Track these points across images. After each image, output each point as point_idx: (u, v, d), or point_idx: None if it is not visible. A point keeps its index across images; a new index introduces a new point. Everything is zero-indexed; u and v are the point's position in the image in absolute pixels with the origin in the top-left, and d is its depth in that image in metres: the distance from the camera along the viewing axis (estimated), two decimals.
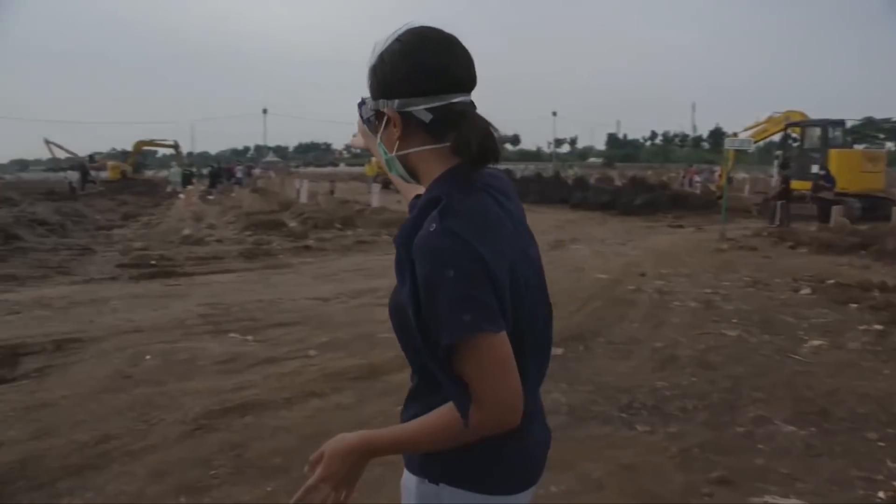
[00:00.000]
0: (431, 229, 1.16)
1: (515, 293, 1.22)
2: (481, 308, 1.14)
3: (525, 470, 1.35)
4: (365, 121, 1.41)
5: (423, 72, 1.26)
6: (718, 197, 23.61)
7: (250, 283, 9.12)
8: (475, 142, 1.23)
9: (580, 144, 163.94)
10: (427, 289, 1.15)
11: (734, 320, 6.81)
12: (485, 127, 1.27)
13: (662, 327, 6.59)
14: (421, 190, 1.34)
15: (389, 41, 1.29)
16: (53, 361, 5.26)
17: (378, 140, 1.35)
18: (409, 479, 1.37)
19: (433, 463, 1.30)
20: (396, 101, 1.26)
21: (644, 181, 27.09)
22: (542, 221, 18.19)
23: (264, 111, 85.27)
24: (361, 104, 1.40)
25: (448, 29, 1.32)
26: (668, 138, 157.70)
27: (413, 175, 1.35)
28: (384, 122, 1.31)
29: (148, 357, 5.23)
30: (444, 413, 1.21)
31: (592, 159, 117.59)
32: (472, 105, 1.30)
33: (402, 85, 1.26)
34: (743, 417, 4.27)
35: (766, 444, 3.88)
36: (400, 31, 1.29)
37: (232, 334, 6.06)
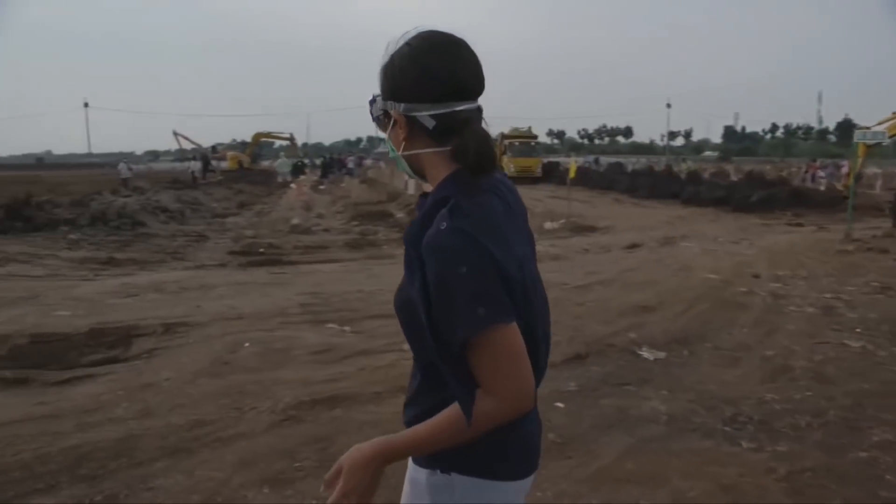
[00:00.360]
0: (442, 228, 1.20)
1: (524, 290, 1.27)
2: (494, 302, 1.19)
3: (530, 456, 1.41)
4: (374, 118, 1.42)
5: (431, 78, 1.30)
6: (845, 196, 22.06)
7: (353, 273, 9.26)
8: (473, 149, 1.27)
9: (695, 137, 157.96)
10: (440, 285, 1.19)
11: (858, 330, 6.25)
12: (484, 135, 1.32)
13: (775, 334, 6.14)
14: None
15: (400, 44, 1.34)
16: (161, 344, 5.50)
17: (386, 138, 1.41)
18: (416, 472, 1.40)
19: (444, 453, 1.31)
20: (402, 105, 1.32)
21: (762, 176, 25.65)
22: (651, 217, 17.60)
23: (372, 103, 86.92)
24: (372, 102, 1.41)
25: (465, 33, 1.35)
26: (790, 131, 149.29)
27: (419, 174, 1.39)
28: (392, 123, 1.36)
29: (246, 344, 5.37)
30: (458, 410, 1.22)
31: (707, 153, 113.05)
32: (478, 111, 1.35)
33: (410, 89, 1.31)
34: (866, 441, 3.85)
35: (893, 474, 3.49)
36: (410, 35, 1.34)
37: (330, 324, 6.13)
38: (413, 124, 1.33)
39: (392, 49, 1.34)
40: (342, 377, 4.69)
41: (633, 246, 11.94)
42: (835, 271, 9.41)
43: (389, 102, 1.35)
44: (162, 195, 20.96)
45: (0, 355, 5.25)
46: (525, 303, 1.27)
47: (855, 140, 14.53)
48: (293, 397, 4.23)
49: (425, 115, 1.30)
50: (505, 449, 1.35)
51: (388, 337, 5.70)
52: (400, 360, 5.08)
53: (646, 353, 5.50)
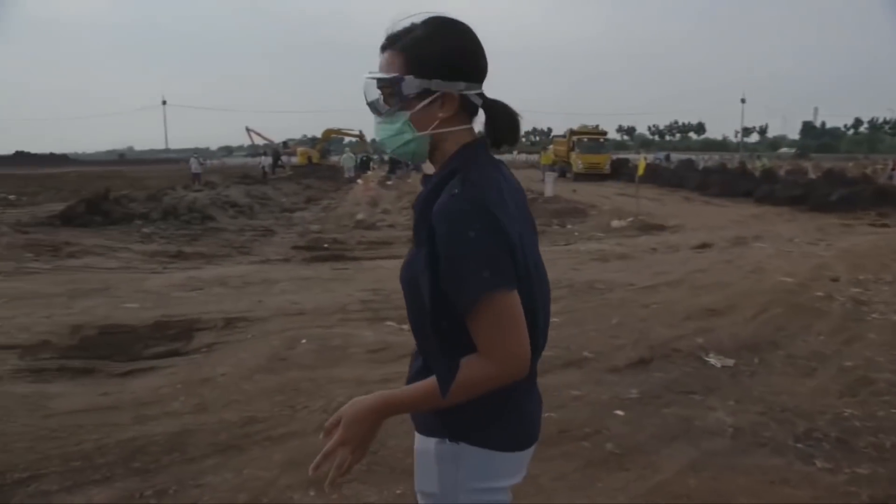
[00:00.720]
0: (453, 194, 1.26)
1: (525, 267, 1.32)
2: (499, 267, 1.24)
3: (532, 427, 1.48)
4: (401, 97, 1.38)
5: (478, 58, 1.40)
6: None
7: None
8: (507, 124, 1.42)
9: (771, 133, 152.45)
10: (449, 248, 1.24)
11: None
12: (513, 110, 1.43)
13: (855, 343, 5.77)
14: None
15: (431, 25, 1.37)
16: (221, 338, 5.57)
17: (403, 118, 1.38)
18: (424, 443, 1.45)
19: (454, 423, 1.38)
20: (463, 84, 1.36)
21: (842, 174, 24.46)
22: (722, 216, 17.01)
23: None
24: (401, 80, 1.37)
25: None
26: (875, 126, 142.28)
27: (428, 154, 1.43)
28: (426, 101, 1.36)
29: (304, 341, 5.37)
30: (471, 368, 1.27)
31: (784, 149, 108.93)
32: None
33: (466, 68, 1.38)
34: None
35: None
36: (434, 16, 1.39)
37: (388, 322, 6.10)
38: (463, 102, 1.38)
39: (423, 30, 1.37)
40: (396, 377, 4.63)
41: (703, 246, 11.52)
42: None
43: (437, 81, 1.36)
44: (232, 190, 21.49)
45: (72, 345, 5.42)
46: (526, 275, 1.32)
47: None
48: (346, 396, 4.18)
49: (474, 93, 1.39)
50: (508, 421, 1.41)
51: None
52: None
53: (713, 360, 5.25)
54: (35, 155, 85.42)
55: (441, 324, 1.28)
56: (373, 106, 1.42)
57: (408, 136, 1.40)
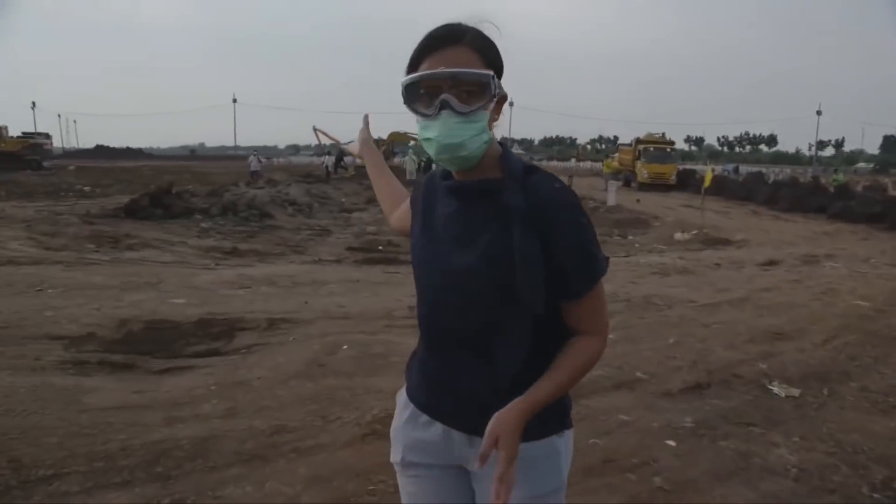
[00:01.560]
0: (556, 187, 1.38)
1: None
2: (602, 251, 1.41)
3: None
4: (473, 95, 1.36)
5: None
6: None
7: None
8: None
9: (847, 147, 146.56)
10: (571, 234, 1.35)
11: None
12: None
13: None
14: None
15: (483, 28, 1.41)
16: (261, 340, 5.48)
17: (485, 117, 1.38)
18: (544, 446, 1.48)
19: (565, 411, 1.52)
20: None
21: None
22: (792, 232, 16.29)
23: (511, 103, 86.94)
24: (493, 78, 1.37)
25: None
26: None
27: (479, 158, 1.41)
28: (494, 102, 1.39)
29: (345, 346, 5.23)
30: (586, 350, 1.41)
31: (861, 164, 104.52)
32: None
33: (502, 69, 1.44)
34: None
35: None
36: (481, 18, 1.42)
37: None
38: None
39: (476, 30, 1.40)
40: None
41: (771, 263, 10.97)
42: None
43: (499, 82, 1.40)
44: (293, 188, 21.71)
45: (116, 339, 5.41)
46: None
47: None
48: (381, 409, 4.01)
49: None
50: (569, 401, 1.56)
51: None
52: None
53: (777, 389, 4.88)
54: (113, 149, 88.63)
55: (541, 311, 1.36)
56: (444, 103, 1.33)
57: (486, 136, 1.39)
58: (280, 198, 18.01)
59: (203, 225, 13.36)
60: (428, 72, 1.34)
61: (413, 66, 1.40)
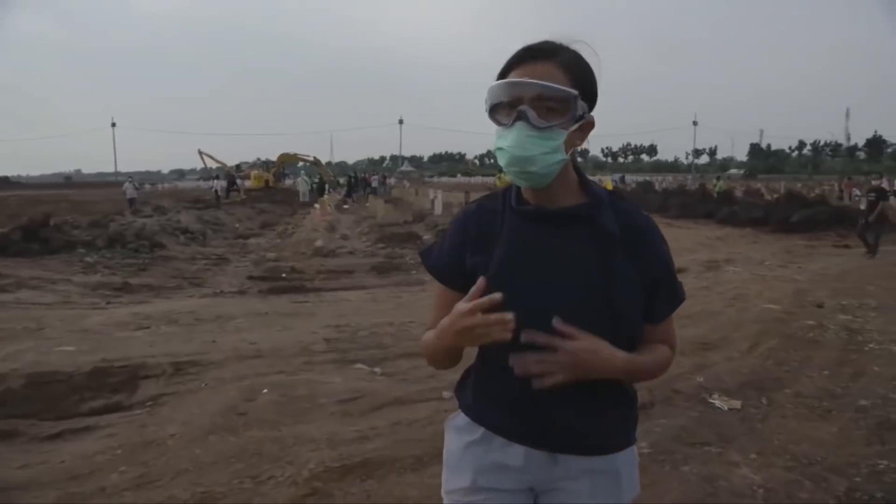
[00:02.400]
0: (645, 213, 1.48)
1: None
2: None
3: None
4: (554, 111, 1.34)
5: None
6: None
7: (381, 301, 8.64)
8: None
9: (720, 155, 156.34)
10: (666, 260, 1.47)
11: None
12: None
13: (862, 378, 5.39)
14: None
15: (580, 50, 1.39)
16: (169, 388, 4.90)
17: (563, 136, 1.35)
18: (626, 456, 1.49)
19: (636, 427, 1.55)
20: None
21: (801, 196, 24.69)
22: (689, 238, 16.84)
23: (400, 121, 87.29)
24: (576, 98, 1.35)
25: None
26: (817, 148, 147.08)
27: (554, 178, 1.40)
28: (578, 125, 1.37)
29: (265, 391, 4.74)
30: (666, 355, 1.49)
31: (733, 170, 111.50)
32: None
33: (595, 100, 1.42)
34: None
35: None
36: (580, 41, 1.40)
37: (358, 364, 5.50)
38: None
39: (571, 51, 1.38)
40: (374, 434, 4.05)
41: (679, 271, 11.13)
42: None
43: (585, 105, 1.37)
44: (183, 215, 20.51)
45: None
46: None
47: None
48: (318, 462, 3.59)
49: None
50: None
51: (423, 381, 5.05)
52: (438, 412, 4.42)
53: (718, 402, 4.80)
54: None
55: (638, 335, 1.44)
56: (521, 114, 1.32)
57: (560, 156, 1.36)
58: (171, 226, 16.90)
59: (88, 259, 12.19)
60: (510, 80, 1.34)
61: (502, 75, 1.39)
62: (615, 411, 1.48)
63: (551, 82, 1.31)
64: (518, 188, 1.48)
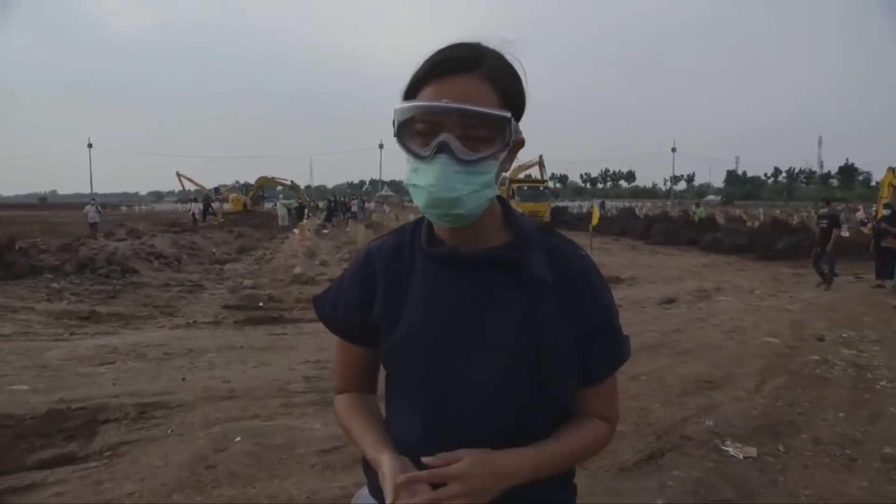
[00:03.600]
0: (582, 254, 1.23)
1: None
2: None
3: None
4: (482, 140, 1.08)
5: None
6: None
7: None
8: None
9: (697, 181, 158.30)
10: (601, 313, 1.19)
11: None
12: None
13: (881, 421, 5.06)
14: None
15: (504, 54, 1.13)
16: (131, 435, 4.42)
17: (494, 169, 1.10)
18: None
19: (573, 492, 1.30)
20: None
21: (785, 223, 24.63)
22: (675, 265, 16.64)
23: (380, 146, 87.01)
24: (509, 121, 1.09)
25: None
26: (792, 175, 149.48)
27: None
28: (506, 150, 1.12)
29: (238, 439, 4.28)
30: (599, 433, 1.24)
31: (710, 197, 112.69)
32: None
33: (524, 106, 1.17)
34: None
35: None
36: (501, 41, 1.14)
37: None
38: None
39: (497, 57, 1.12)
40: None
41: (669, 301, 10.89)
42: None
43: (517, 126, 1.13)
44: (158, 239, 19.91)
45: None
46: None
47: None
48: None
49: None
50: None
51: None
52: None
53: (732, 450, 4.43)
54: None
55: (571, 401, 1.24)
56: (443, 146, 1.05)
57: (491, 192, 1.12)
58: (144, 250, 16.30)
59: (54, 285, 11.62)
60: (426, 103, 1.06)
61: (411, 91, 1.11)
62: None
63: (478, 103, 1.05)
64: (429, 222, 1.22)
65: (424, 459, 1.08)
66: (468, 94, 1.05)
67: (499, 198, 1.21)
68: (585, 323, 1.17)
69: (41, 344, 7.28)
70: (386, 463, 1.11)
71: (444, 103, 1.04)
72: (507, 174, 1.24)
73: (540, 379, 1.14)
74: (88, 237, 19.23)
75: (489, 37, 1.13)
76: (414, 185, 1.10)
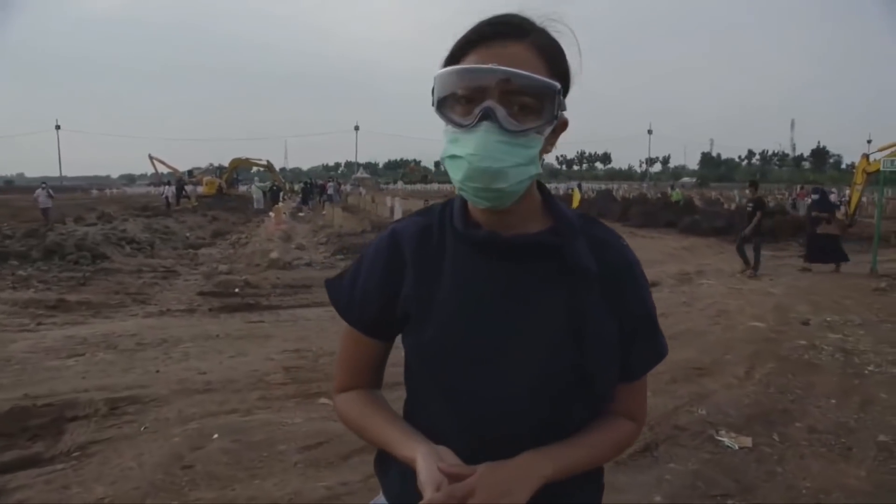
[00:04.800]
0: (624, 243, 1.18)
1: None
2: None
3: None
4: (528, 111, 1.01)
5: None
6: (849, 225, 21.26)
7: (341, 321, 7.95)
8: None
9: (672, 163, 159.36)
10: (644, 307, 1.15)
11: None
12: None
13: (872, 407, 4.99)
14: None
15: (551, 31, 1.07)
16: (101, 434, 4.18)
17: (538, 143, 1.04)
18: None
19: (600, 490, 1.25)
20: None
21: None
22: (655, 248, 16.56)
23: (356, 128, 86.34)
24: (559, 92, 1.02)
25: None
26: (765, 157, 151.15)
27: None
28: (552, 127, 1.06)
29: (215, 436, 4.07)
30: (626, 432, 1.19)
31: (685, 179, 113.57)
32: None
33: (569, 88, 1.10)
34: None
35: None
36: (553, 18, 1.08)
37: (322, 399, 4.86)
38: None
39: (544, 32, 1.05)
40: (346, 492, 3.43)
41: (653, 285, 10.73)
42: (886, 316, 8.39)
43: (563, 101, 1.05)
44: (130, 223, 19.41)
45: None
46: None
47: (882, 168, 13.66)
48: None
49: None
50: None
51: None
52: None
53: (727, 441, 4.32)
54: None
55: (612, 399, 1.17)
56: (488, 112, 0.97)
57: (535, 169, 1.05)
58: (116, 235, 15.78)
59: (20, 272, 11.20)
60: (471, 66, 1.00)
61: (454, 58, 1.04)
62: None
63: (527, 70, 0.98)
64: (462, 204, 1.15)
65: (440, 466, 1.01)
66: (516, 59, 0.99)
67: (538, 183, 1.17)
68: (628, 316, 1.13)
69: (5, 335, 6.94)
70: (429, 454, 1.04)
71: (492, 66, 0.98)
72: (547, 154, 1.10)
73: (582, 372, 1.09)
74: (42, 224, 18.68)
75: (532, 9, 1.08)
76: (451, 157, 1.03)
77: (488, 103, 0.98)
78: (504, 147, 0.99)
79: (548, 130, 1.05)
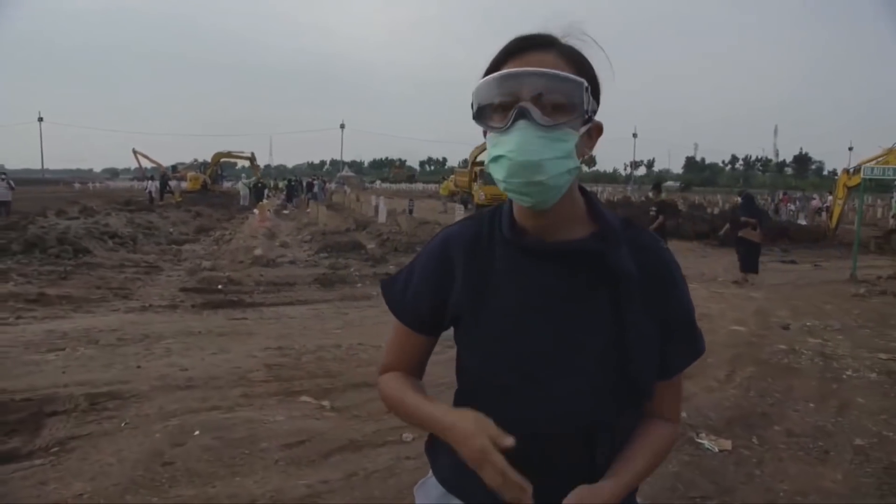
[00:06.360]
0: (664, 246, 1.24)
1: None
2: None
3: None
4: (560, 108, 1.08)
5: None
6: (830, 229, 21.53)
7: (326, 319, 7.96)
8: None
9: (657, 167, 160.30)
10: (683, 308, 1.21)
11: None
12: None
13: (849, 411, 5.06)
14: None
15: (581, 45, 1.15)
16: (80, 429, 4.15)
17: (574, 138, 1.09)
18: None
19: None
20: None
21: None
22: None
23: (342, 126, 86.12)
24: (585, 88, 1.09)
25: None
26: (748, 163, 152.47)
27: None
28: (586, 127, 1.14)
29: (196, 433, 4.05)
30: (668, 437, 1.24)
31: (669, 182, 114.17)
32: None
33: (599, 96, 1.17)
34: None
35: None
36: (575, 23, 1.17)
37: (304, 397, 4.85)
38: None
39: (572, 45, 1.14)
40: (326, 490, 3.42)
41: None
42: (865, 321, 8.50)
43: (594, 102, 1.13)
44: (113, 218, 19.25)
45: None
46: None
47: (863, 176, 13.84)
48: None
49: None
50: None
51: (378, 419, 4.43)
52: (399, 459, 3.83)
53: (707, 443, 4.36)
54: None
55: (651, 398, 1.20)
56: (523, 111, 1.05)
57: (573, 162, 1.10)
58: (98, 229, 15.62)
59: (0, 265, 11.08)
60: (505, 71, 1.08)
61: (489, 73, 1.12)
62: None
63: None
64: (509, 211, 1.21)
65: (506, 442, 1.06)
66: (544, 64, 1.08)
67: (581, 189, 1.21)
68: (668, 319, 1.18)
69: None
70: (475, 420, 1.08)
71: (524, 69, 1.07)
72: (585, 158, 1.16)
73: (626, 375, 1.14)
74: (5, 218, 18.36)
75: (559, 28, 1.16)
76: (495, 159, 1.10)
77: (522, 104, 1.06)
78: (540, 142, 1.06)
79: (582, 129, 1.12)
